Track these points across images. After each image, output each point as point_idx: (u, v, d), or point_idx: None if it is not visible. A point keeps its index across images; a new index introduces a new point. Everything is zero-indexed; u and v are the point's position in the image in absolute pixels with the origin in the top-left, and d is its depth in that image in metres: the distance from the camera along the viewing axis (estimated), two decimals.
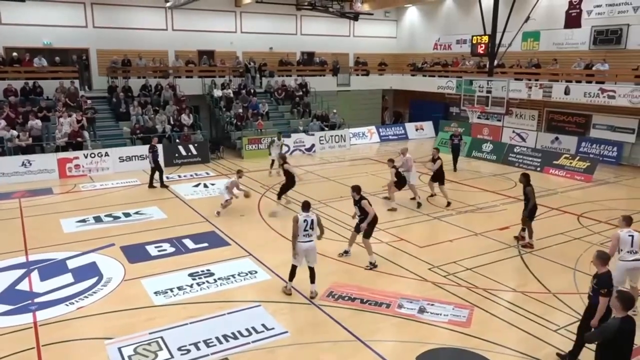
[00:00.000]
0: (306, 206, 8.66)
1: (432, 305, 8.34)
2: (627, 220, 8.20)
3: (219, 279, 9.37)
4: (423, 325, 7.76)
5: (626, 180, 17.94)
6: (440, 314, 8.05)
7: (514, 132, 24.02)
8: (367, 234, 9.97)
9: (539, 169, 19.20)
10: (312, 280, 8.63)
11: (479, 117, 24.29)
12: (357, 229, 10.14)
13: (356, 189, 10.02)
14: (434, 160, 14.37)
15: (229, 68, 25.55)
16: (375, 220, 9.92)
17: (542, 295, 8.72)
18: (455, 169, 18.89)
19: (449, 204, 14.29)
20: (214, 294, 8.78)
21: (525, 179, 11.06)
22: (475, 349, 7.11)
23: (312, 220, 8.44)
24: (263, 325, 7.67)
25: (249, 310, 8.16)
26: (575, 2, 22.20)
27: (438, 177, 14.43)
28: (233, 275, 9.50)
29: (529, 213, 10.97)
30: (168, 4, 23.34)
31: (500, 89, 19.99)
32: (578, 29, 22.15)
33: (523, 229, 11.30)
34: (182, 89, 23.40)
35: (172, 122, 21.07)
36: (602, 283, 6.22)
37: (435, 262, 10.13)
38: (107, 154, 18.51)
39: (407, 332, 7.58)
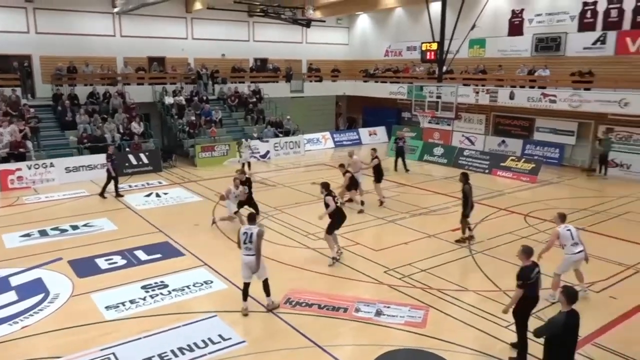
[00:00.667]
0: (251, 218, 8.42)
1: (389, 307, 8.43)
2: (562, 217, 8.68)
3: (173, 290, 9.14)
4: (380, 327, 7.83)
5: (568, 180, 18.81)
6: (397, 316, 8.14)
7: (463, 135, 24.76)
8: (330, 229, 10.29)
9: (487, 171, 19.85)
10: (267, 294, 8.40)
11: (429, 122, 24.88)
12: (327, 230, 10.45)
13: (324, 186, 10.43)
14: (372, 160, 15.05)
15: (180, 75, 25.10)
16: (341, 216, 10.38)
17: (493, 294, 8.98)
18: (396, 169, 19.96)
19: (381, 203, 14.85)
20: (169, 305, 8.56)
21: (464, 177, 11.41)
22: (432, 348, 7.23)
23: (252, 234, 8.08)
24: (220, 335, 7.53)
25: (205, 321, 7.99)
26: (517, 11, 23.17)
27: (376, 175, 15.03)
28: (188, 286, 9.29)
29: (467, 211, 11.41)
30: (116, 10, 22.70)
31: (450, 94, 20.52)
32: (521, 36, 23.11)
33: (464, 230, 11.71)
34: (132, 97, 22.78)
35: (121, 131, 20.47)
36: (520, 275, 6.64)
37: (391, 265, 10.26)
38: (52, 165, 17.75)
39: (365, 336, 7.62)
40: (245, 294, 8.34)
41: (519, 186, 17.77)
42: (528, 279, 6.60)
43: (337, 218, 10.39)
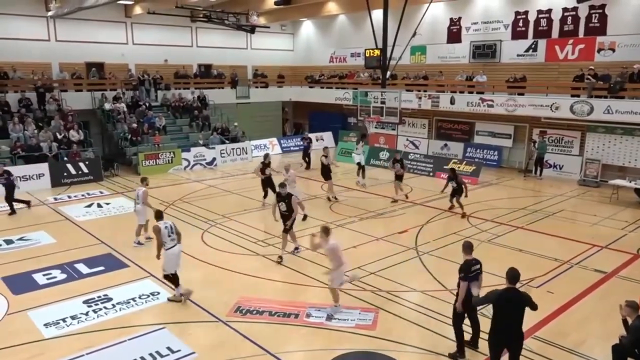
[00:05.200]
0: (159, 215, 9.05)
1: (340, 311, 8.49)
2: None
3: (117, 303, 8.82)
4: (332, 331, 7.87)
5: (506, 181, 19.67)
6: (348, 319, 8.22)
7: (407, 140, 25.38)
8: (286, 228, 10.94)
9: (431, 174, 20.43)
10: (177, 284, 8.87)
11: (375, 127, 25.30)
12: (285, 230, 10.96)
13: (282, 185, 11.04)
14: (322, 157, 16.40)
15: (121, 81, 24.30)
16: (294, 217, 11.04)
17: (440, 293, 9.24)
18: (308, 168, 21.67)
19: (333, 198, 16.14)
20: (113, 320, 8.25)
21: (453, 172, 14.38)
22: (382, 349, 7.35)
23: (172, 225, 8.87)
24: (168, 348, 7.34)
25: (153, 334, 7.76)
26: (455, 19, 24.05)
27: (324, 175, 16.26)
28: (133, 299, 9.00)
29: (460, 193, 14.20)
30: (50, 13, 21.70)
31: (393, 100, 20.94)
32: (459, 43, 23.99)
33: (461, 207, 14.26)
34: (70, 104, 21.83)
35: (58, 139, 19.55)
36: (461, 268, 7.00)
37: None
38: None
39: (316, 340, 7.64)
40: (176, 281, 8.91)
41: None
42: (469, 272, 6.91)
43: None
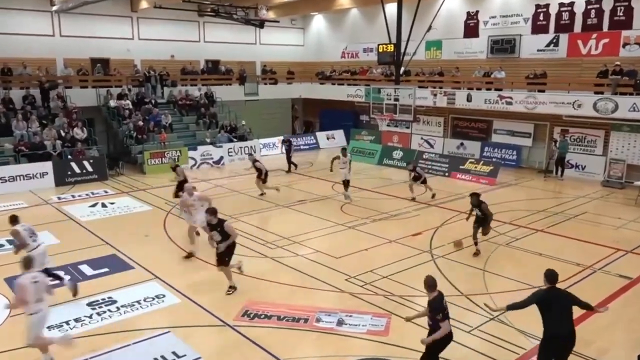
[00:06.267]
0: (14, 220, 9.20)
1: (351, 316, 8.47)
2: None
3: (122, 306, 8.88)
4: (342, 337, 7.85)
5: (526, 182, 19.51)
6: (359, 325, 8.20)
7: (422, 138, 25.28)
8: (224, 261, 9.38)
9: (447, 174, 20.32)
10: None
11: (388, 125, 25.24)
12: (222, 262, 9.42)
13: (213, 212, 9.28)
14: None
15: (126, 77, 24.48)
16: (233, 245, 9.47)
17: (455, 298, 9.17)
18: (290, 170, 21.31)
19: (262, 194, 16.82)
20: (118, 323, 8.31)
21: (477, 199, 11.42)
22: (395, 357, 7.32)
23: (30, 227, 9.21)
24: (173, 352, 7.37)
25: (158, 338, 7.80)
26: (472, 12, 23.91)
27: (259, 175, 16.89)
28: (138, 301, 9.06)
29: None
30: (54, 8, 21.94)
31: (408, 97, 20.87)
32: (476, 38, 23.85)
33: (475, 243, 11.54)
34: (74, 100, 22.04)
35: (62, 137, 19.74)
36: (435, 307, 6.35)
37: (352, 272, 10.33)
38: None
39: (326, 346, 7.63)
40: None
41: (478, 189, 18.08)
42: (445, 308, 6.36)
43: (231, 248, 9.51)
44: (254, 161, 17.06)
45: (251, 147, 23.49)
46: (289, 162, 21.38)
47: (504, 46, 22.74)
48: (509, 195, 17.39)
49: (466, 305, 8.91)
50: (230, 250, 9.43)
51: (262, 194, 16.84)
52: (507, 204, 16.01)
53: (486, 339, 7.79)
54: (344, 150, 16.56)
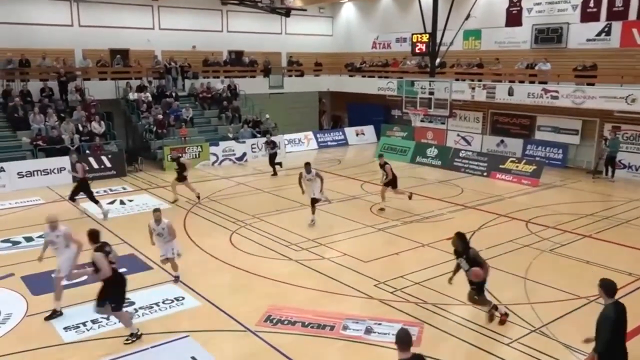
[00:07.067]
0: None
1: (380, 324, 8.46)
2: None
3: (140, 308, 9.06)
4: (370, 346, 7.84)
5: (572, 183, 19.12)
6: (389, 334, 8.16)
7: (458, 135, 25.02)
8: (117, 306, 8.01)
9: (485, 173, 20.07)
10: None
11: (422, 120, 25.07)
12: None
13: (93, 237, 8.07)
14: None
15: (146, 69, 24.92)
16: (115, 281, 7.97)
17: None
18: (275, 173, 20.42)
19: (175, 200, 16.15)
20: (135, 325, 8.46)
21: (462, 241, 8.41)
22: None
23: None
24: (192, 358, 7.48)
25: (176, 342, 7.93)
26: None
27: (179, 174, 16.14)
28: (157, 303, 9.22)
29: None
30: None
31: (443, 90, 20.70)
32: (519, 27, 23.47)
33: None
34: (92, 93, 22.56)
35: (80, 131, 20.23)
36: None
37: (381, 278, 10.30)
38: (2, 170, 17.47)
39: (353, 356, 7.64)
40: None
41: (519, 190, 18.01)
42: None
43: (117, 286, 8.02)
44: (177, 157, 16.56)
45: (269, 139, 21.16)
46: (273, 165, 20.35)
47: (549, 35, 22.33)
48: (554, 197, 17.07)
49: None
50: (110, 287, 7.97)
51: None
52: (552, 206, 15.72)
53: (527, 352, 7.66)
54: (307, 165, 13.96)
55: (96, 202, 14.97)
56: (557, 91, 20.50)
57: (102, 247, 7.92)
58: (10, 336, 8.14)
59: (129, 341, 7.95)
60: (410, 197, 15.44)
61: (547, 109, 21.80)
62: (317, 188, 13.80)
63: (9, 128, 20.12)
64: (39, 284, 10.01)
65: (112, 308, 7.99)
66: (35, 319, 8.71)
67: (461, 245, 8.32)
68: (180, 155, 17.20)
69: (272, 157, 20.47)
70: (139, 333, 8.07)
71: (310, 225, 13.75)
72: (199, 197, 16.21)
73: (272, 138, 21.09)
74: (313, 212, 13.86)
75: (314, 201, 13.85)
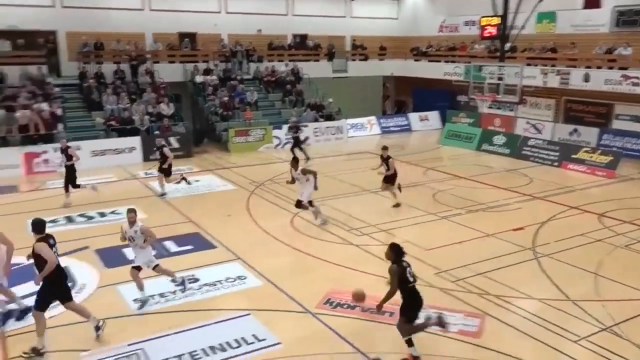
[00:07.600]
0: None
1: (440, 313, 8.36)
2: None
3: (204, 285, 9.38)
4: (430, 335, 7.78)
5: None
6: (449, 324, 8.07)
7: (528, 122, 24.14)
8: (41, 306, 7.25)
9: (556, 163, 19.32)
10: None
11: (489, 107, 24.40)
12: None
13: (37, 228, 7.34)
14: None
15: (213, 52, 25.47)
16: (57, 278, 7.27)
17: (560, 303, 8.78)
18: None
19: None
20: (199, 301, 8.80)
21: (396, 252, 7.52)
22: None
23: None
24: (254, 335, 7.69)
25: (238, 320, 8.18)
26: None
27: (165, 171, 15.21)
28: (220, 281, 9.52)
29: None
30: None
31: (513, 76, 20.08)
32: (598, 9, 22.32)
33: None
34: (162, 76, 23.32)
35: (150, 112, 21.01)
36: None
37: (443, 267, 10.18)
38: (79, 148, 18.36)
39: None
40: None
41: (593, 182, 17.23)
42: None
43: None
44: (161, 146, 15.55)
45: None
46: (302, 151, 19.55)
47: (632, 18, 21.18)
48: (631, 190, 16.23)
49: (574, 312, 8.49)
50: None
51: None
52: (628, 200, 14.97)
53: (595, 351, 7.39)
54: (294, 160, 12.97)
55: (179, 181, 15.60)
56: (638, 77, 19.39)
57: (46, 239, 7.25)
58: (86, 305, 8.58)
59: (27, 356, 7.08)
60: (399, 189, 13.91)
61: (627, 97, 20.68)
62: (307, 191, 12.44)
63: (84, 108, 21.19)
64: (111, 257, 10.55)
65: (35, 306, 7.19)
66: (107, 290, 9.21)
67: (393, 256, 7.48)
68: (165, 144, 16.28)
69: (296, 142, 19.82)
70: (42, 350, 7.16)
71: (322, 224, 12.60)
72: (178, 183, 15.64)
73: (296, 122, 20.56)
74: (314, 214, 12.70)
75: (298, 204, 12.58)
